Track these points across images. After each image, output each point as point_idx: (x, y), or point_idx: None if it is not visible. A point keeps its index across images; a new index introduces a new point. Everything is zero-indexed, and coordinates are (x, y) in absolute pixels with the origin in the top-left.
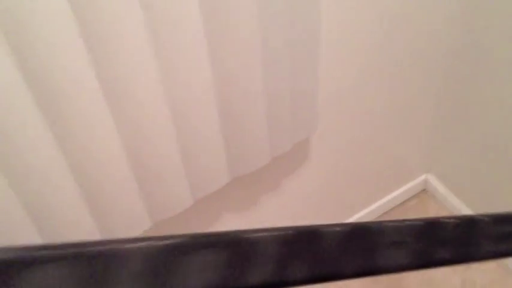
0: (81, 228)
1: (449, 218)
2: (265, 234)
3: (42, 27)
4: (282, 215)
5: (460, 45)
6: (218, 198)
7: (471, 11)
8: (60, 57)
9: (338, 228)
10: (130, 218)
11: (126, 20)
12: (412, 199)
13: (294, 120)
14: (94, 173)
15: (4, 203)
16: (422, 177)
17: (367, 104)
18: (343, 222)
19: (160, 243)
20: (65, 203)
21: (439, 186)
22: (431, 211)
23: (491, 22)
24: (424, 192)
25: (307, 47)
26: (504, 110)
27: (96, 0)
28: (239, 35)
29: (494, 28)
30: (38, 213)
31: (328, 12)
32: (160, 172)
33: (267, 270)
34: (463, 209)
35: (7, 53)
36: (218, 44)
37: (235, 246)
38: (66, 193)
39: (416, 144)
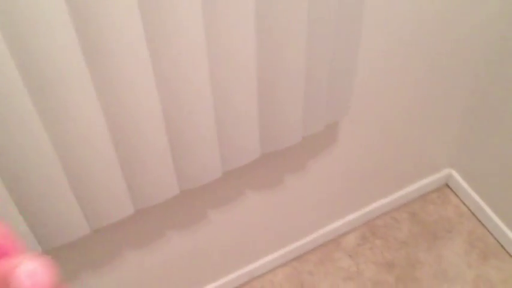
0: (113, 189)
1: None
2: None
3: None
4: (304, 197)
5: (498, 42)
6: (245, 173)
7: (510, 11)
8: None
9: None
10: (160, 184)
11: None
12: (433, 192)
13: (329, 101)
14: (132, 136)
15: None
16: (446, 171)
17: (399, 93)
18: (364, 209)
19: None
20: (99, 163)
21: (462, 182)
22: (451, 207)
23: None
24: (446, 186)
25: (350, 29)
26: None
27: None
28: (285, 9)
29: None
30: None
31: None
32: (193, 140)
33: None
34: (484, 207)
35: None
36: (264, 16)
37: None
38: (104, 154)
39: (444, 138)
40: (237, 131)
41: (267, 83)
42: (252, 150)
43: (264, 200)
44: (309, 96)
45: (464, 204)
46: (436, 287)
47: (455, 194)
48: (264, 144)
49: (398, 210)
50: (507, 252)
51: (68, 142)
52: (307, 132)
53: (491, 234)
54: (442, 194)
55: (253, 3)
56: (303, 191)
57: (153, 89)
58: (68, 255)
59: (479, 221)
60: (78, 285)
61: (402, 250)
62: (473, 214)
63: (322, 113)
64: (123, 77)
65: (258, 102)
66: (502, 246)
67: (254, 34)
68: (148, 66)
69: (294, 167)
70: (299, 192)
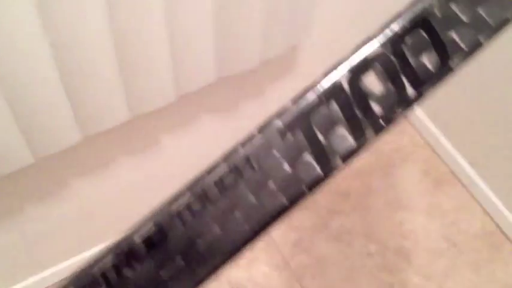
0: (57, 113)
1: None
2: None
3: None
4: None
5: None
6: (200, 98)
7: None
8: None
9: None
10: (109, 108)
11: None
12: None
13: (289, 21)
14: (77, 57)
15: None
16: None
17: (363, 18)
18: None
19: None
20: (43, 88)
21: (418, 112)
22: (406, 136)
23: None
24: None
25: None
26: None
27: None
28: None
29: None
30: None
31: None
32: (145, 60)
33: None
34: (438, 136)
35: None
36: None
37: None
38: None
39: None
40: (191, 52)
41: (222, 3)
42: (207, 73)
43: (220, 126)
44: (268, 16)
45: (419, 133)
46: (390, 214)
47: (411, 124)
48: (221, 67)
49: None
50: (459, 180)
51: (8, 66)
52: (266, 55)
53: (445, 162)
54: (398, 124)
55: None
56: (259, 117)
57: (101, 5)
58: (10, 187)
59: (433, 150)
60: (22, 218)
61: (357, 179)
62: (428, 143)
63: (282, 35)
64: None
65: (213, 22)
66: (454, 174)
67: None
68: None
69: (251, 93)
70: (256, 118)
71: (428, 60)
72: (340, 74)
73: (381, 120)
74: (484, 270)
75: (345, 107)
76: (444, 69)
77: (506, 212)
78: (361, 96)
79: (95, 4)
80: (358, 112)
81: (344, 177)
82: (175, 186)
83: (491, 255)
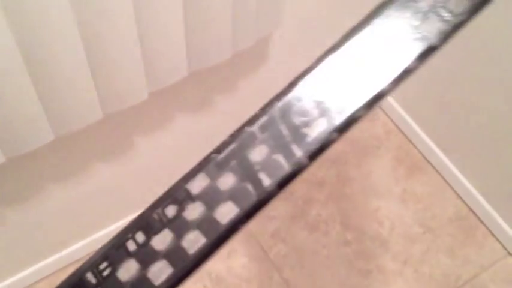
0: (27, 111)
1: None
2: None
3: None
4: (235, 116)
5: None
6: (173, 94)
7: None
8: None
9: None
10: (80, 107)
11: None
12: None
13: (259, 12)
14: (45, 55)
15: None
16: None
17: (333, 8)
18: None
19: None
20: (12, 87)
21: (389, 99)
22: (379, 123)
23: None
24: None
25: None
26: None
27: None
28: None
29: None
30: None
31: None
32: (115, 57)
33: None
34: (411, 123)
35: None
36: None
37: None
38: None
39: None
40: (162, 48)
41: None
42: (179, 68)
43: (194, 121)
44: (238, 8)
45: (391, 120)
46: (365, 202)
47: (383, 111)
48: (192, 61)
49: None
50: (432, 166)
51: None
52: (238, 47)
53: (417, 149)
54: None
55: None
56: (234, 111)
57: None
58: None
59: (406, 137)
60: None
61: (332, 168)
62: (400, 130)
63: (252, 26)
64: None
65: (184, 16)
66: (427, 160)
67: None
68: None
69: (224, 86)
70: (230, 112)
71: None
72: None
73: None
74: (459, 253)
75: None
76: None
77: (478, 196)
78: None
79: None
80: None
81: (319, 167)
82: (150, 185)
83: (466, 239)
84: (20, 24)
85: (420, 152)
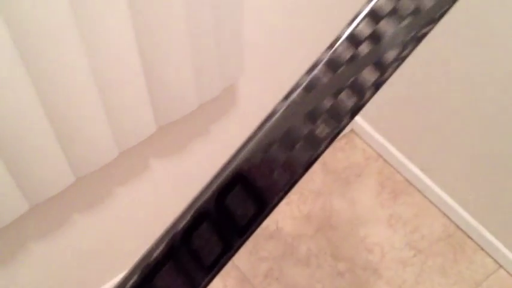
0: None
1: None
2: None
3: None
4: (211, 163)
5: None
6: (144, 149)
7: None
8: None
9: None
10: (51, 174)
11: None
12: (340, 139)
13: (220, 65)
14: (7, 125)
15: None
16: None
17: (292, 47)
18: None
19: None
20: None
21: (365, 126)
22: (358, 151)
23: None
24: (351, 132)
25: None
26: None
27: None
28: None
29: None
30: None
31: None
32: (82, 124)
33: None
34: (389, 147)
35: None
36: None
37: None
38: None
39: None
40: (127, 108)
41: (150, 57)
42: (146, 126)
43: (170, 172)
44: (198, 63)
45: (370, 146)
46: (353, 231)
47: (361, 138)
48: (159, 117)
49: None
50: (415, 187)
51: None
52: (204, 99)
53: (399, 172)
54: (349, 140)
55: None
56: (208, 157)
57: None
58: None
59: (386, 161)
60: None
61: (317, 201)
62: (380, 155)
63: (215, 78)
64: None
65: (145, 78)
66: (409, 182)
67: (127, 10)
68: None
69: (196, 134)
70: (205, 158)
71: None
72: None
73: None
74: (452, 271)
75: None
76: None
77: (463, 212)
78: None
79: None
80: None
81: (304, 201)
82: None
83: (456, 256)
84: None
85: (402, 175)
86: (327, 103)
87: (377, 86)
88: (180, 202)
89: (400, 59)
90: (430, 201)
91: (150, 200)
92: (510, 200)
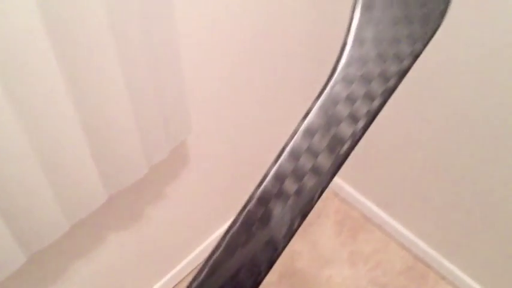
0: None
1: None
2: None
3: None
4: (169, 223)
5: (320, 46)
6: (97, 219)
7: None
8: None
9: None
10: (1, 253)
11: None
12: None
13: (167, 126)
14: None
15: None
16: None
17: (238, 99)
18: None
19: None
20: None
21: None
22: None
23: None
24: None
25: (167, 52)
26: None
27: None
28: (93, 55)
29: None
30: None
31: (184, 18)
32: (28, 203)
33: None
34: (344, 186)
35: None
36: (72, 65)
37: None
38: None
39: None
40: (73, 181)
41: (93, 128)
42: (96, 197)
43: (126, 240)
44: (144, 127)
45: (335, 192)
46: (316, 272)
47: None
48: (109, 186)
49: None
50: (373, 223)
51: None
52: (153, 162)
53: (356, 209)
54: None
55: (55, 61)
56: (164, 219)
57: None
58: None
59: (343, 200)
60: None
61: None
62: (336, 194)
63: (163, 139)
64: None
65: (90, 149)
66: (367, 218)
67: (64, 83)
68: None
69: (150, 198)
70: (161, 222)
71: None
72: None
73: None
74: None
75: None
76: None
77: (421, 244)
78: None
79: None
80: None
81: None
82: None
83: (419, 287)
84: None
85: (359, 212)
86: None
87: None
88: (140, 272)
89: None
90: (389, 235)
91: (107, 271)
92: (467, 227)
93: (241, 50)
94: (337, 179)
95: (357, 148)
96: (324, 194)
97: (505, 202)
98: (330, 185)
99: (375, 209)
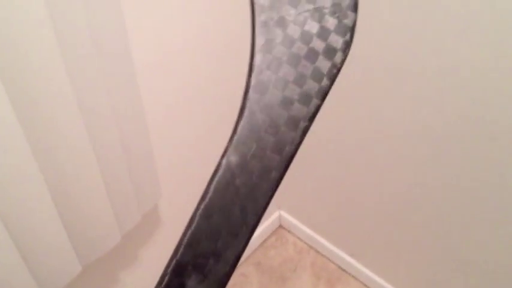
0: None
1: None
2: None
3: None
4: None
5: None
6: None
7: None
8: None
9: None
10: None
11: None
12: (271, 237)
13: (137, 192)
14: None
15: None
16: (276, 213)
17: (206, 163)
18: None
19: None
20: None
21: (292, 220)
22: (289, 246)
23: None
24: (280, 228)
25: (134, 123)
26: (340, 145)
27: None
28: (61, 130)
29: None
30: None
31: (145, 86)
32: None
33: None
34: (318, 238)
35: None
36: (42, 139)
37: None
38: None
39: None
40: (47, 257)
41: (64, 201)
42: (70, 268)
43: None
44: (114, 195)
45: (300, 239)
46: None
47: (290, 232)
48: (82, 257)
49: (244, 264)
50: (348, 274)
51: None
52: (126, 229)
53: (331, 261)
54: (279, 236)
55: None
56: (144, 282)
57: None
58: None
59: (318, 252)
60: None
61: None
62: (311, 247)
63: (134, 207)
64: None
65: (61, 221)
66: (343, 270)
67: (31, 153)
68: None
69: (125, 264)
70: (140, 286)
71: None
72: None
73: None
74: None
75: None
76: None
77: None
78: None
79: None
80: None
81: None
82: None
83: None
84: None
85: (334, 263)
86: None
87: None
88: None
89: None
90: (365, 285)
91: None
92: (437, 273)
93: (206, 117)
94: (310, 232)
95: (327, 202)
96: (299, 247)
97: (479, 253)
98: (305, 238)
99: (350, 260)
